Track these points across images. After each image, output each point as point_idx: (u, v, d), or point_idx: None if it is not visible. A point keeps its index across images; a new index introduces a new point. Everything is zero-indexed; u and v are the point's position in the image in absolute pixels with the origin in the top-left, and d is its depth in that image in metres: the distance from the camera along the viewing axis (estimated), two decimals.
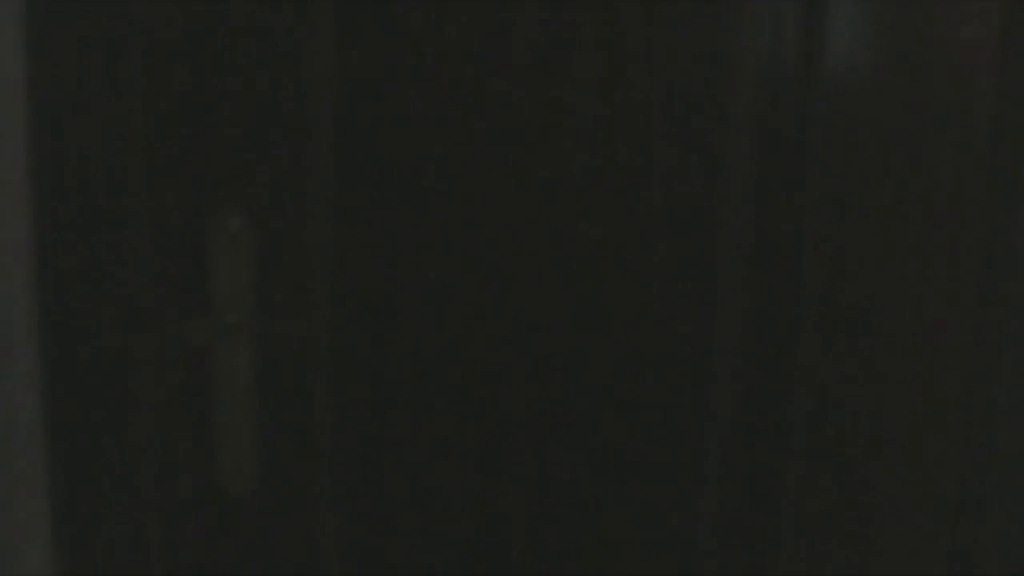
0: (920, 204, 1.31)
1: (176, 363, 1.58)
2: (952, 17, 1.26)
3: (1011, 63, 1.27)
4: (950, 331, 1.32)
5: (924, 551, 1.35)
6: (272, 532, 1.60)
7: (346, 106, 1.48)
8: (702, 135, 1.37)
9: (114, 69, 1.54)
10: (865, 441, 1.35)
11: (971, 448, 1.33)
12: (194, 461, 1.60)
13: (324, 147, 1.50)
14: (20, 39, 1.56)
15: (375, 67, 1.47)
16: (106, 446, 1.62)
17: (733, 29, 1.34)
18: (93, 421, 1.62)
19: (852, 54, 1.31)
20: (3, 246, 1.59)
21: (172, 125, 1.54)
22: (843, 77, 1.31)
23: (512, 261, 1.46)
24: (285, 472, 1.58)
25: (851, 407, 1.35)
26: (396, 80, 1.46)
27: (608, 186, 1.41)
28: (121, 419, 1.61)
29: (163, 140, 1.55)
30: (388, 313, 1.52)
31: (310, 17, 1.47)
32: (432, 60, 1.44)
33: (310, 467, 1.57)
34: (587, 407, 1.47)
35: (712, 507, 1.43)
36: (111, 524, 1.64)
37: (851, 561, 1.38)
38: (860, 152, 1.32)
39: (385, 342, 1.53)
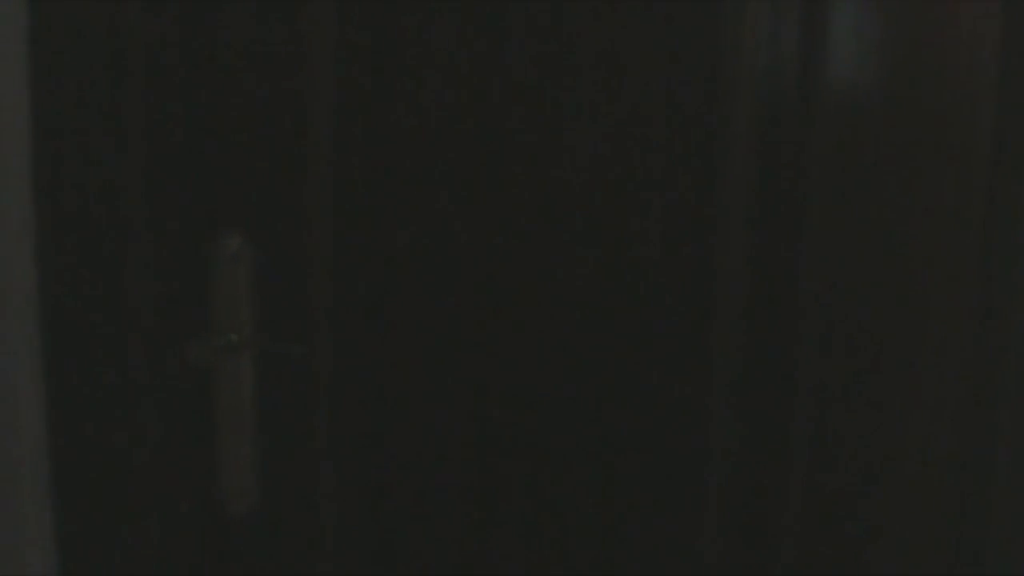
0: (921, 222, 1.31)
1: (177, 382, 1.59)
2: (953, 36, 1.26)
3: (1012, 84, 1.27)
4: (951, 348, 1.31)
5: (927, 556, 1.35)
6: (271, 552, 1.60)
7: (346, 125, 1.49)
8: (700, 153, 1.36)
9: (114, 90, 1.55)
10: (867, 451, 1.34)
11: (974, 455, 1.33)
12: (194, 480, 1.60)
13: (324, 166, 1.50)
14: (23, 62, 1.58)
15: (375, 85, 1.47)
16: (107, 466, 1.63)
17: (733, 47, 1.34)
18: (94, 441, 1.63)
19: (852, 72, 1.31)
20: (4, 265, 1.60)
21: (172, 145, 1.55)
22: (843, 95, 1.31)
23: (512, 276, 1.46)
24: (285, 492, 1.58)
25: (853, 420, 1.35)
26: (396, 99, 1.46)
27: (606, 201, 1.40)
28: (122, 438, 1.62)
29: (163, 160, 1.56)
30: (388, 332, 1.52)
31: (309, 36, 1.48)
32: (431, 78, 1.45)
33: (310, 487, 1.57)
34: (588, 432, 1.47)
35: (713, 514, 1.42)
36: (111, 542, 1.64)
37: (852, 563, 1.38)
38: (860, 170, 1.31)
39: (385, 361, 1.53)
